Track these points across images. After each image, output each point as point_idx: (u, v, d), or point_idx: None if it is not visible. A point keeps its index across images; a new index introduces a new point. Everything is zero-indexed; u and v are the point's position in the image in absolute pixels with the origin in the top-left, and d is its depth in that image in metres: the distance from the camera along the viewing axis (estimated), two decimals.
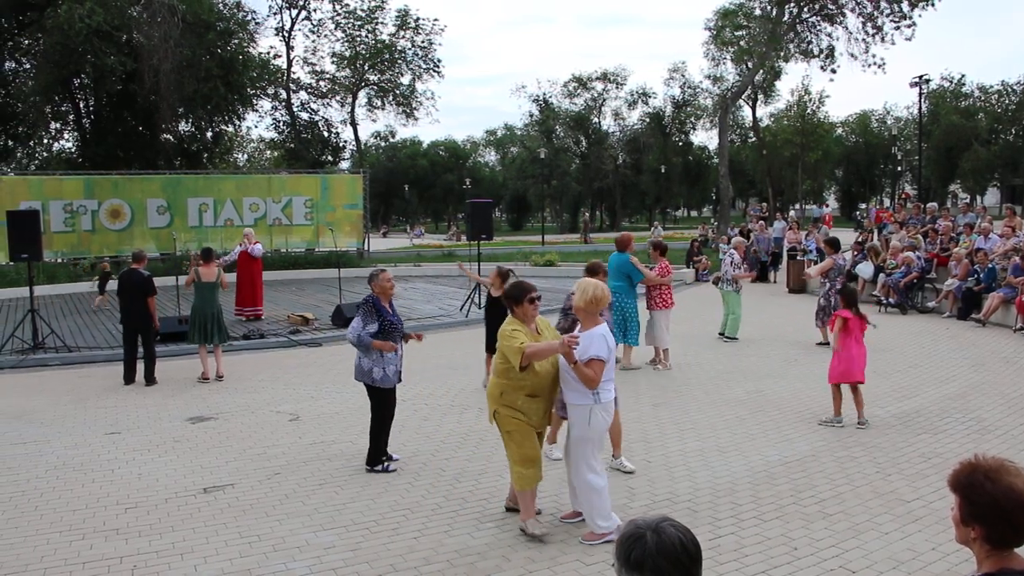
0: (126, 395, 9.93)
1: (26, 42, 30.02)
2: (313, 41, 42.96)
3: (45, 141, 34.01)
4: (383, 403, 6.81)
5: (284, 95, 38.75)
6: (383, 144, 76.88)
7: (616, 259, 10.70)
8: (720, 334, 13.04)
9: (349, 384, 10.22)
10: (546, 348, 5.20)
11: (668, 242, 15.21)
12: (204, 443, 7.77)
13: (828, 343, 11.95)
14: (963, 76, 62.20)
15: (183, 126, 33.02)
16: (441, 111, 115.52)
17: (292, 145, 39.72)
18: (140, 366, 10.58)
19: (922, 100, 40.74)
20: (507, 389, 5.34)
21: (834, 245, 12.55)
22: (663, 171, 62.26)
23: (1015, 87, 56.34)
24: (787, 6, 32.08)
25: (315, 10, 39.09)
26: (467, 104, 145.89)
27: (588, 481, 5.27)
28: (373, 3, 39.46)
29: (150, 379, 10.50)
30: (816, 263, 21.19)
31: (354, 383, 10.18)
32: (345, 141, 43.10)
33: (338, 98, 41.55)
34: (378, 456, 6.82)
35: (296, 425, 8.39)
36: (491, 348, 9.09)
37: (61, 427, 8.44)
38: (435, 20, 41.27)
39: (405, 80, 41.97)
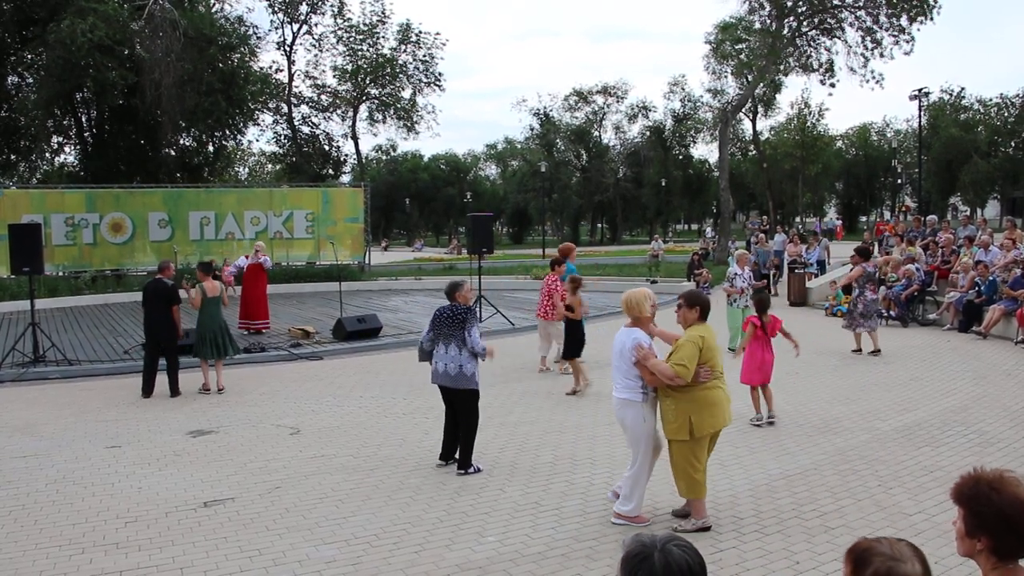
0: (127, 409, 9.91)
1: (29, 56, 30.12)
2: (315, 55, 43.17)
3: (47, 155, 34.08)
4: (476, 406, 7.22)
5: (285, 109, 38.92)
6: (384, 158, 77.03)
7: None
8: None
9: (350, 397, 10.26)
10: None
11: (669, 255, 15.25)
12: (204, 457, 7.76)
13: (861, 349, 12.66)
14: (962, 89, 62.05)
15: (184, 140, 33.14)
16: (445, 125, 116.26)
17: (293, 159, 39.86)
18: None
19: (922, 113, 40.81)
20: None
21: (863, 254, 13.05)
22: (664, 184, 62.34)
23: (1014, 100, 56.44)
24: (787, 20, 32.20)
25: (316, 24, 39.33)
26: (472, 118, 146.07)
27: None
28: (375, 18, 39.70)
29: (174, 390, 10.51)
30: (816, 276, 21.28)
31: (355, 396, 10.28)
32: (346, 155, 43.33)
33: (339, 112, 41.73)
34: (471, 460, 7.11)
35: (297, 439, 8.37)
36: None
37: (61, 440, 8.42)
38: (437, 34, 41.23)
39: (406, 94, 42.11)
